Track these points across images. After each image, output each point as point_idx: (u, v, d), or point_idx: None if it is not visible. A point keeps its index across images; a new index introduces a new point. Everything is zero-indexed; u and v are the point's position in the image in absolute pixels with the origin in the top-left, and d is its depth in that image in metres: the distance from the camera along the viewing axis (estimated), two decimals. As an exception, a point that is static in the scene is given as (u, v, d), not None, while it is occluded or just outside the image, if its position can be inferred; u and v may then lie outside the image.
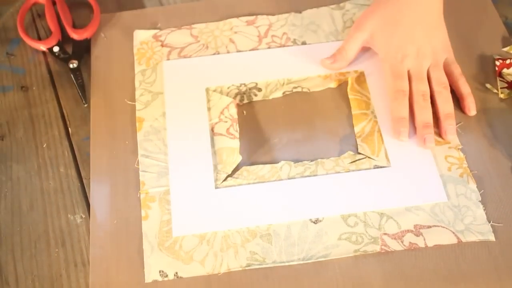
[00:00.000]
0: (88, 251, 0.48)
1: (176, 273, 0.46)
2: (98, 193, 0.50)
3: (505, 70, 0.56)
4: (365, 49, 0.58)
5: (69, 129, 0.55)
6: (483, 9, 0.61)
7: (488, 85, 0.55)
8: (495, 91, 0.55)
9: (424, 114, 0.52)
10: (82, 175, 0.52)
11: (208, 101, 0.56)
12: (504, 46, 0.58)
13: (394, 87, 0.53)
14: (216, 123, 0.54)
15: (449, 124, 0.51)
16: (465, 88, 0.54)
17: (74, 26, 0.62)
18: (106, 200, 0.50)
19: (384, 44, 0.55)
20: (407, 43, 0.54)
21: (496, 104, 0.54)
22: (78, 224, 0.49)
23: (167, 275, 0.46)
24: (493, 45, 0.58)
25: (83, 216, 0.50)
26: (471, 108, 0.53)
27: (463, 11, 0.61)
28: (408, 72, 0.54)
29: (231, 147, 0.52)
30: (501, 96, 0.55)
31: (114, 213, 0.49)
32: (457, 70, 0.55)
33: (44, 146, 0.54)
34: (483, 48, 0.58)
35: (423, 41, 0.54)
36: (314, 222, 0.48)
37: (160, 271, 0.46)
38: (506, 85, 0.55)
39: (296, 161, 0.51)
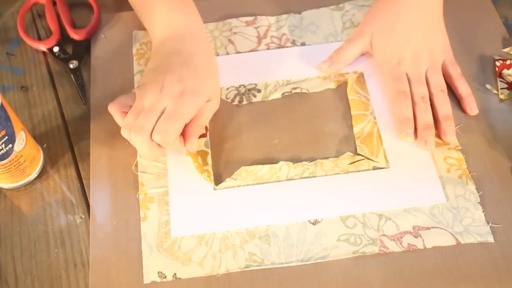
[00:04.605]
0: (88, 252, 0.48)
1: (175, 274, 0.46)
2: (98, 193, 0.51)
3: (505, 71, 0.56)
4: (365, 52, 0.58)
5: (69, 129, 0.55)
6: (483, 10, 0.61)
7: (488, 86, 0.55)
8: (495, 91, 0.55)
9: (424, 116, 0.52)
10: (82, 175, 0.52)
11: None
12: (504, 47, 0.58)
13: (395, 88, 0.53)
14: None
15: (448, 125, 0.51)
16: (464, 89, 0.54)
17: (74, 26, 0.62)
18: (106, 200, 0.50)
19: (381, 49, 0.56)
20: (403, 48, 0.54)
21: (496, 105, 0.54)
22: (77, 224, 0.50)
23: (165, 276, 0.46)
24: (493, 45, 0.58)
25: (83, 217, 0.50)
26: (472, 107, 0.53)
27: (463, 11, 0.61)
28: (407, 75, 0.54)
29: None
30: (501, 97, 0.55)
31: (114, 214, 0.49)
32: (456, 71, 0.55)
33: (44, 146, 0.54)
34: (483, 48, 0.58)
35: (420, 44, 0.54)
36: (313, 223, 0.48)
37: (158, 272, 0.46)
38: (506, 85, 0.55)
39: (296, 161, 0.51)
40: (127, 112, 0.49)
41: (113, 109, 0.49)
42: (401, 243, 0.47)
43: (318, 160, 0.51)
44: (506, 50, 0.57)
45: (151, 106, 0.48)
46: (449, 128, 0.51)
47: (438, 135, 0.52)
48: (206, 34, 0.55)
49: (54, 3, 0.63)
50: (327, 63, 0.56)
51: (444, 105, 0.52)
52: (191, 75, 0.49)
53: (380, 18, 0.56)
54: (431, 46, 0.55)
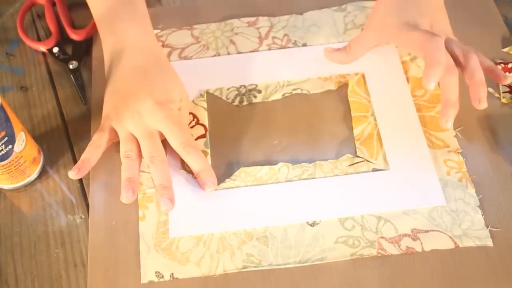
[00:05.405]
0: (88, 252, 0.48)
1: (172, 274, 0.46)
2: (98, 193, 0.51)
3: (507, 74, 0.55)
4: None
5: (69, 129, 0.55)
6: (485, 10, 0.60)
7: (490, 89, 0.55)
8: (497, 95, 0.55)
9: (476, 64, 0.50)
10: (82, 175, 0.52)
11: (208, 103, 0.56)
12: (504, 47, 0.57)
13: (430, 43, 0.49)
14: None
15: (483, 92, 0.49)
16: (484, 59, 0.52)
17: (74, 27, 0.62)
18: (105, 200, 0.50)
19: (396, 17, 0.54)
20: (419, 16, 0.53)
21: (498, 109, 0.54)
22: (77, 224, 0.50)
23: (163, 276, 0.46)
24: (494, 45, 0.57)
25: (83, 217, 0.50)
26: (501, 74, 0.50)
27: (465, 12, 0.60)
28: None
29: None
30: (503, 100, 0.54)
31: (113, 214, 0.49)
32: (468, 47, 0.52)
33: (44, 147, 0.54)
34: (484, 49, 0.57)
35: (433, 17, 0.53)
36: (311, 225, 0.48)
37: (156, 272, 0.46)
38: (508, 89, 0.55)
39: (295, 163, 0.51)
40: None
41: (95, 144, 0.50)
42: (399, 246, 0.46)
43: (317, 162, 0.51)
44: (506, 50, 0.57)
45: (143, 134, 0.49)
46: (483, 94, 0.49)
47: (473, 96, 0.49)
48: (157, 43, 0.56)
49: (54, 4, 0.63)
50: (334, 51, 0.56)
51: (476, 70, 0.50)
52: (156, 87, 0.50)
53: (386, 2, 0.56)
54: (439, 25, 0.54)
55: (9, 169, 0.49)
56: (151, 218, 0.49)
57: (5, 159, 0.48)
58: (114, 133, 0.51)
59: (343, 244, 0.47)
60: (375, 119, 0.54)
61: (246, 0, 0.63)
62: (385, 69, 0.57)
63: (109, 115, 0.51)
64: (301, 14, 0.62)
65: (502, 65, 0.56)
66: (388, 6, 0.55)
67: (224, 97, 0.56)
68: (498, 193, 0.49)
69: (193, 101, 0.56)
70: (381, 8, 0.56)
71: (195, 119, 0.55)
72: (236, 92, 0.56)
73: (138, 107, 0.50)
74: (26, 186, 0.52)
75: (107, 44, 0.54)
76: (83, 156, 0.50)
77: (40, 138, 0.54)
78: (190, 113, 0.55)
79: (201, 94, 0.56)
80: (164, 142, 0.51)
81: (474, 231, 0.47)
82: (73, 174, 0.49)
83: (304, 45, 0.59)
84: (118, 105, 0.50)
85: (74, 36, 0.60)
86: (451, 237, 0.47)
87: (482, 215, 0.48)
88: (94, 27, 0.61)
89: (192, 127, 0.54)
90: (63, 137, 0.55)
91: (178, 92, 0.52)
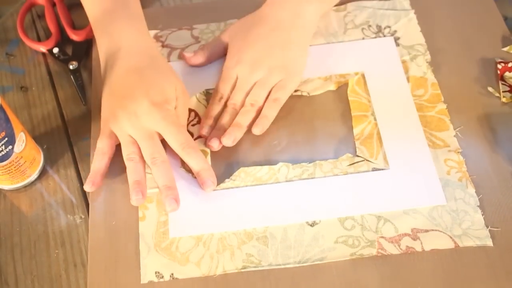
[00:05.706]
0: (88, 252, 0.48)
1: (172, 274, 0.46)
2: (98, 193, 0.51)
3: (507, 74, 0.55)
4: (364, 51, 0.57)
5: (69, 129, 0.55)
6: (485, 9, 0.60)
7: (490, 89, 0.55)
8: (497, 95, 0.54)
9: (226, 118, 0.53)
10: (82, 175, 0.52)
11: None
12: (504, 46, 0.57)
13: (216, 88, 0.55)
14: None
15: (233, 131, 0.52)
16: (266, 110, 0.53)
17: (74, 28, 0.62)
18: (105, 200, 0.50)
19: (230, 48, 0.56)
20: (247, 50, 0.55)
21: (498, 108, 0.54)
22: (77, 224, 0.50)
23: (163, 276, 0.46)
24: (495, 45, 0.57)
25: (83, 217, 0.50)
26: (258, 125, 0.52)
27: (465, 12, 0.60)
28: (236, 78, 0.54)
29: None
30: (503, 100, 0.54)
31: (113, 214, 0.49)
32: (275, 95, 0.53)
33: (44, 147, 0.54)
34: (485, 48, 0.57)
35: (264, 53, 0.54)
36: (311, 225, 0.48)
37: (156, 272, 0.46)
38: (508, 88, 0.54)
39: (295, 163, 0.51)
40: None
41: (100, 152, 0.50)
42: (399, 246, 0.46)
43: (317, 162, 0.51)
44: (505, 49, 0.57)
45: (142, 136, 0.49)
46: (231, 134, 0.51)
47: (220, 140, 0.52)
48: (152, 43, 0.56)
49: (54, 4, 0.63)
50: (190, 54, 0.57)
51: (244, 117, 0.53)
52: (151, 88, 0.50)
53: (245, 19, 0.58)
54: (275, 60, 0.54)
55: (9, 170, 0.49)
56: (151, 218, 0.49)
57: (5, 160, 0.48)
58: (115, 137, 0.51)
59: (343, 244, 0.47)
60: (375, 119, 0.54)
61: (246, 0, 0.63)
62: (385, 68, 0.57)
63: (107, 118, 0.51)
64: (301, 14, 0.62)
65: (502, 64, 0.55)
66: (235, 30, 0.57)
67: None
68: (498, 193, 0.49)
69: (196, 98, 0.56)
70: (245, 19, 0.57)
71: (197, 118, 0.55)
72: (236, 92, 0.56)
73: (135, 108, 0.49)
74: (26, 186, 0.52)
75: (102, 45, 0.54)
76: (92, 167, 0.50)
77: (40, 138, 0.54)
78: (192, 110, 0.55)
79: (201, 93, 0.56)
80: (163, 141, 0.51)
81: (474, 230, 0.47)
82: (89, 187, 0.49)
83: (304, 45, 0.59)
84: (115, 107, 0.50)
85: (74, 36, 0.61)
86: (451, 237, 0.46)
87: (482, 215, 0.47)
88: (94, 27, 0.61)
89: (193, 125, 0.54)
90: (63, 137, 0.55)
91: (173, 90, 0.51)
